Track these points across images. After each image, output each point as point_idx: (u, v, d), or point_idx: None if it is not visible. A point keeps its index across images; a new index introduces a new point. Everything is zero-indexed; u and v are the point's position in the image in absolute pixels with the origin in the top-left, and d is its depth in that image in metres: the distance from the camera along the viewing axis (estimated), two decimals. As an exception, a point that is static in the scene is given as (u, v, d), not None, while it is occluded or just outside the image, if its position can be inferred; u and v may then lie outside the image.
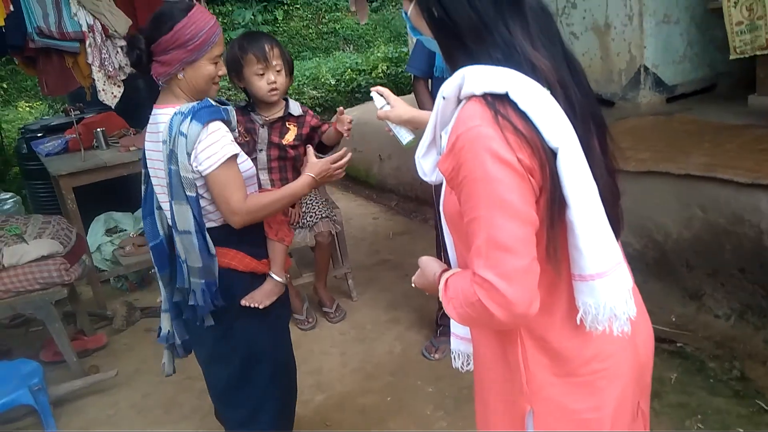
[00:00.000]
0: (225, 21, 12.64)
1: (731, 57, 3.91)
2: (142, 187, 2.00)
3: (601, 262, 1.05)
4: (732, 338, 2.84)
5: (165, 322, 2.09)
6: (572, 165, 1.02)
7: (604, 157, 1.16)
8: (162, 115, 1.82)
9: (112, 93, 3.72)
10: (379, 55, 9.44)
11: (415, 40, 2.70)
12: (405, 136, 1.71)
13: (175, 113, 1.76)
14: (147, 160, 1.92)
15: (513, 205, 1.00)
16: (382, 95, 1.74)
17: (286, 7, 13.45)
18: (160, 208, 1.95)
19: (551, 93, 1.04)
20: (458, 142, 1.04)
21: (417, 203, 5.08)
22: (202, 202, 1.82)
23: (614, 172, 1.20)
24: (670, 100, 4.36)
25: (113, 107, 3.95)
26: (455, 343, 1.47)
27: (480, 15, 1.05)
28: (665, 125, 3.79)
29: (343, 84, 8.76)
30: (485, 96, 1.03)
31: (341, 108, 2.50)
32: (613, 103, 4.48)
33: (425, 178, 1.35)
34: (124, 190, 4.13)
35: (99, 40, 3.58)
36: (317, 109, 8.25)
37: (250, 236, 1.94)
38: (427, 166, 1.32)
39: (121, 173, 3.87)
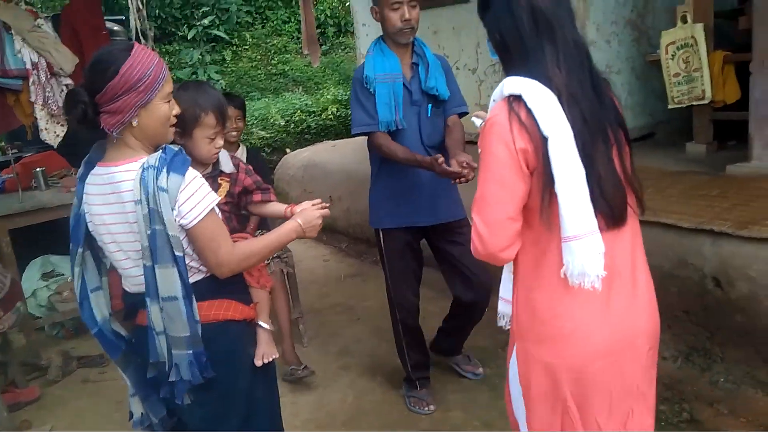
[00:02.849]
0: (172, 60, 12.54)
1: (669, 106, 4.10)
2: (75, 270, 1.79)
3: (576, 227, 1.36)
4: (679, 380, 2.89)
5: (135, 407, 1.87)
6: (559, 150, 1.36)
7: (617, 160, 1.44)
8: (121, 173, 1.64)
9: (55, 132, 3.60)
10: (328, 96, 9.50)
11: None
12: None
13: (144, 168, 1.60)
14: (97, 227, 1.72)
15: (504, 178, 1.41)
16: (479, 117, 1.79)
17: (234, 47, 13.46)
18: (97, 289, 1.80)
19: (559, 99, 1.38)
20: (485, 126, 1.46)
21: (367, 245, 5.06)
22: (186, 259, 1.68)
23: (626, 175, 1.46)
24: (612, 146, 4.52)
25: (55, 146, 3.82)
26: (501, 306, 1.73)
27: (523, 41, 1.44)
28: (609, 171, 3.91)
29: (293, 125, 8.75)
30: (509, 96, 1.43)
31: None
32: (558, 148, 4.61)
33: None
34: (63, 232, 3.89)
35: (43, 78, 3.48)
36: (266, 150, 8.19)
37: (235, 284, 1.84)
38: None
39: (61, 215, 3.70)
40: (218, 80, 12.51)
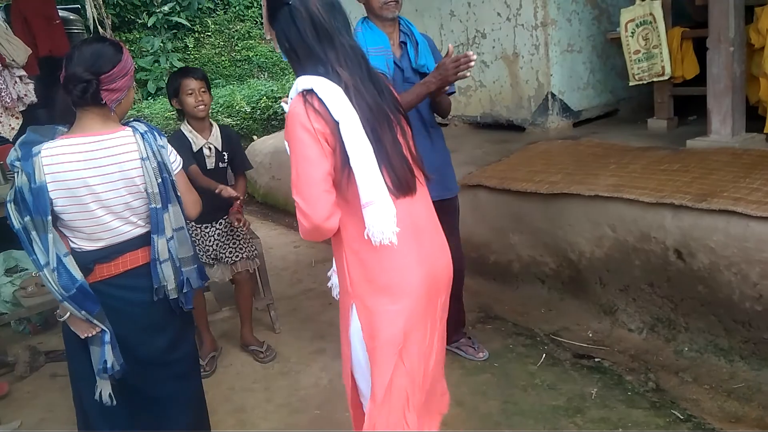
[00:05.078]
0: (132, 49, 12.28)
1: (630, 83, 4.17)
2: (49, 237, 1.96)
3: (369, 194, 1.60)
4: (645, 351, 2.96)
5: (109, 354, 2.07)
6: (349, 131, 1.61)
7: (402, 140, 1.75)
8: (117, 139, 2.04)
9: (10, 125, 3.51)
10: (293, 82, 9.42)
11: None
12: None
13: (144, 133, 2.07)
14: (73, 190, 1.98)
15: (310, 156, 1.63)
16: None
17: (196, 34, 13.23)
18: (67, 254, 2.01)
19: (345, 91, 1.65)
20: (287, 120, 1.68)
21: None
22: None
23: (411, 153, 1.78)
24: (576, 124, 4.59)
25: (11, 140, 3.72)
26: (333, 278, 1.98)
27: (309, 46, 1.70)
28: (573, 149, 3.97)
29: (258, 111, 8.66)
30: (303, 91, 1.65)
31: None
32: (523, 128, 4.65)
33: None
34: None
35: (-6, 70, 3.38)
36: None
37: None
38: None
39: (22, 209, 3.62)
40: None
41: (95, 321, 2.04)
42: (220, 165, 3.28)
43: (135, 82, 11.80)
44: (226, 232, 3.33)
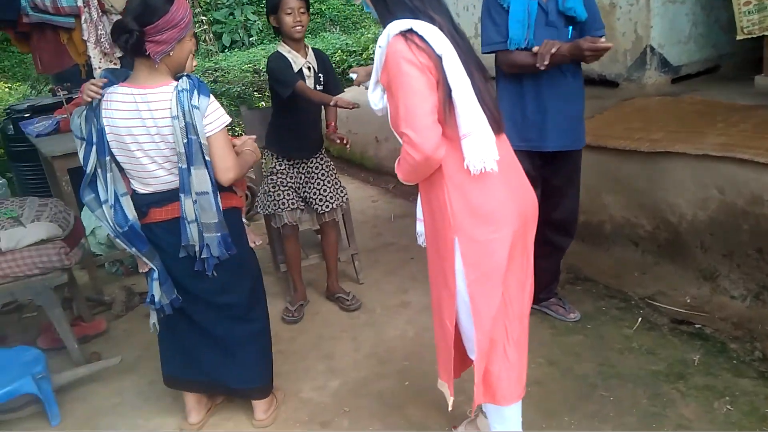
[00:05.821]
0: (208, 1, 12.39)
1: (738, 37, 3.87)
2: (108, 175, 2.13)
3: (470, 124, 1.66)
4: (749, 319, 2.82)
5: (157, 290, 2.23)
6: (452, 65, 1.66)
7: (483, 78, 1.79)
8: (156, 94, 2.04)
9: (109, 70, 3.57)
10: (369, 36, 9.29)
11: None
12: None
13: (179, 91, 2.02)
14: (123, 137, 2.08)
15: (418, 88, 1.66)
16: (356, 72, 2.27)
17: (270, -13, 13.21)
18: (125, 194, 2.17)
19: (441, 31, 1.70)
20: (387, 58, 1.71)
21: (415, 186, 4.99)
22: None
23: (490, 86, 1.82)
24: (675, 80, 4.32)
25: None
26: (419, 227, 2.03)
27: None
28: (674, 106, 3.75)
29: (333, 65, 8.61)
30: (402, 32, 1.69)
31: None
32: (617, 83, 4.43)
33: (375, 108, 1.89)
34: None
35: (95, 16, 3.44)
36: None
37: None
38: (375, 98, 1.87)
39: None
40: (255, 21, 12.36)
41: (144, 259, 2.20)
42: (317, 87, 3.19)
43: (212, 34, 11.92)
44: (318, 173, 3.29)
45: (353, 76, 2.27)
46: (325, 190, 3.26)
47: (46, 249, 2.87)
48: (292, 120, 3.16)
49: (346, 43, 9.09)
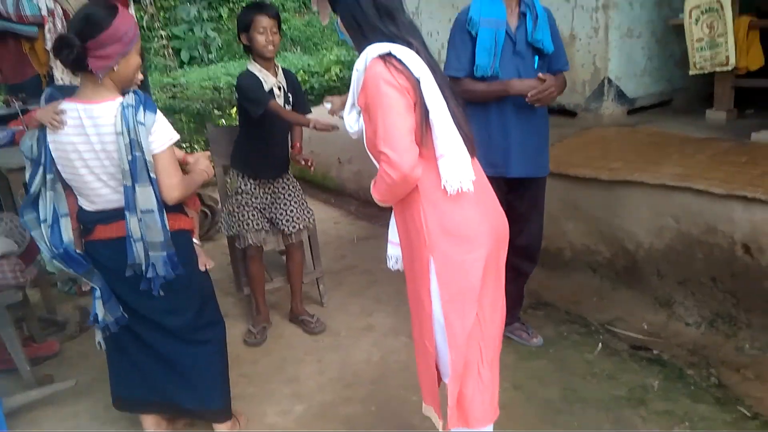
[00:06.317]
0: (167, 17, 12.26)
1: (691, 72, 4.06)
2: (48, 194, 2.12)
3: (446, 145, 1.72)
4: (704, 346, 2.92)
5: (100, 309, 2.22)
6: (429, 88, 1.73)
7: (456, 102, 1.83)
8: (101, 109, 2.01)
9: (71, 81, 3.49)
10: (331, 57, 9.35)
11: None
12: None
13: (124, 107, 2.00)
14: (68, 154, 2.05)
15: (397, 109, 1.71)
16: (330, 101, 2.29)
17: (231, 4, 13.16)
18: (66, 215, 2.15)
19: (419, 56, 1.76)
20: (366, 81, 1.76)
21: (378, 208, 4.97)
22: None
23: (463, 108, 1.87)
24: (630, 112, 4.49)
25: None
26: (391, 249, 2.04)
27: (373, 24, 1.80)
28: (631, 136, 3.89)
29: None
30: (381, 55, 1.74)
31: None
32: (575, 113, 4.56)
33: (350, 131, 1.92)
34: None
35: (59, 26, 3.37)
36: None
37: (178, 204, 2.25)
38: (351, 120, 1.90)
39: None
40: (214, 37, 12.28)
41: (83, 279, 2.21)
42: (286, 107, 3.16)
43: (171, 50, 11.78)
44: (284, 194, 3.27)
45: (327, 105, 2.29)
46: (292, 211, 3.24)
47: (0, 266, 2.76)
48: (260, 139, 3.14)
49: (308, 64, 9.12)
